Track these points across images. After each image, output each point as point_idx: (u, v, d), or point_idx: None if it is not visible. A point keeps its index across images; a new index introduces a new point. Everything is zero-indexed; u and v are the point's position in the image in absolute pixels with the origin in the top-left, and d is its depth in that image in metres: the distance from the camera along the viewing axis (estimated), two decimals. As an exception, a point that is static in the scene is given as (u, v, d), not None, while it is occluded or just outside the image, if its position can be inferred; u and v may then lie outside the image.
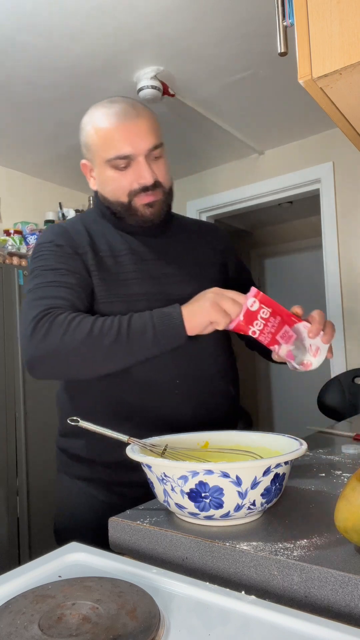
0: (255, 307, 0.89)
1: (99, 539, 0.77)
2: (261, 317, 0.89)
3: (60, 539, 1.05)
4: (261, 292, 0.90)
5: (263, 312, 0.89)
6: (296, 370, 0.95)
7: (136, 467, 0.98)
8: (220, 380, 1.08)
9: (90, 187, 1.08)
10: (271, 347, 0.92)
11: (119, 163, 0.98)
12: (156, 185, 1.00)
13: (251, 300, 0.89)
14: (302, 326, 0.92)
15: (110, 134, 0.97)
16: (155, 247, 1.07)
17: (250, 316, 0.88)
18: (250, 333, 0.89)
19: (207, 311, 0.88)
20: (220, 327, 0.89)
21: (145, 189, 0.99)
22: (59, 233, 1.03)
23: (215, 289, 0.90)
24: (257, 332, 0.89)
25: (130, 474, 0.95)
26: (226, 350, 1.12)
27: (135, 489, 0.96)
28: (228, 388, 1.10)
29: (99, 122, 0.99)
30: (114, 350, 0.89)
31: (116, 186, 1.00)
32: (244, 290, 1.03)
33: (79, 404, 1.05)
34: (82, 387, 1.04)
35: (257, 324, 0.89)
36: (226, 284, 1.13)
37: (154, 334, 0.89)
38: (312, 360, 0.93)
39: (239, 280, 1.20)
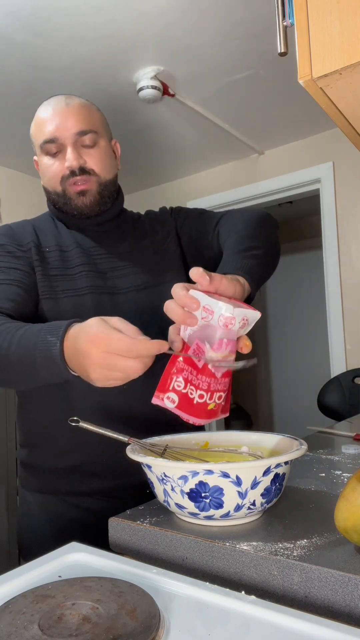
0: (174, 397, 0.72)
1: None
2: (183, 388, 0.72)
3: (24, 554, 1.02)
4: (155, 394, 0.73)
5: (179, 387, 0.72)
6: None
7: (91, 475, 0.95)
8: None
9: (41, 183, 1.08)
10: (211, 376, 0.72)
11: (49, 148, 0.99)
12: (85, 171, 0.99)
13: (166, 403, 0.72)
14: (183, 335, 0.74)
15: (41, 121, 1.00)
16: (104, 242, 1.05)
17: (185, 403, 0.72)
18: (207, 403, 0.72)
19: (94, 373, 0.69)
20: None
21: (73, 174, 0.98)
22: (2, 233, 1.04)
23: (100, 338, 0.67)
24: (202, 394, 0.72)
25: (89, 482, 0.94)
26: None
27: (97, 500, 0.95)
28: None
29: (36, 114, 1.02)
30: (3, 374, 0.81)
31: (50, 174, 1.01)
32: (212, 240, 1.00)
33: (31, 418, 1.04)
34: (31, 399, 1.03)
35: (192, 394, 0.72)
36: (186, 261, 1.09)
37: (34, 370, 0.76)
38: (220, 314, 0.69)
39: (200, 235, 1.10)
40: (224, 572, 0.60)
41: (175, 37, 2.00)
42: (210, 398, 0.73)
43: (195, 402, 0.72)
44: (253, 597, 0.50)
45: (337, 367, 2.83)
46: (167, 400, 0.73)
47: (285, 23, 0.95)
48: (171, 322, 0.90)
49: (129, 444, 0.76)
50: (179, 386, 0.72)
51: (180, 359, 0.73)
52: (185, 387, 0.72)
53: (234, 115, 2.67)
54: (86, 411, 0.95)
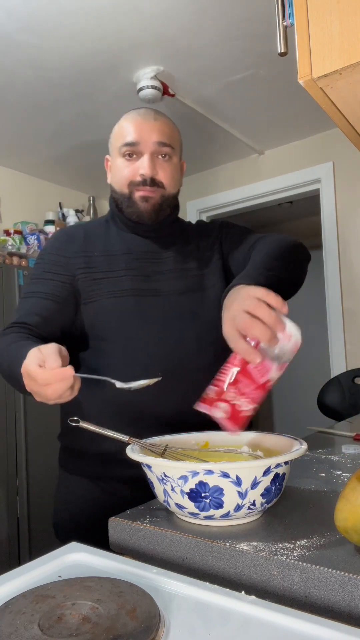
0: (226, 407, 0.76)
1: (95, 534, 0.78)
2: (237, 400, 0.76)
3: (58, 532, 1.09)
4: (204, 399, 0.77)
5: (232, 398, 0.76)
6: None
7: (123, 462, 0.95)
8: (206, 375, 1.06)
9: (107, 181, 1.16)
10: (268, 387, 0.78)
11: (126, 150, 1.05)
12: (155, 183, 1.05)
13: (216, 413, 0.76)
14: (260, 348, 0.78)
15: (126, 125, 1.07)
16: (155, 248, 1.11)
17: (234, 414, 0.76)
18: (251, 413, 0.77)
19: (38, 391, 0.79)
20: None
21: (144, 182, 1.04)
22: (55, 239, 1.12)
23: (29, 371, 0.78)
24: (250, 404, 0.76)
25: (122, 468, 0.96)
26: (214, 344, 1.08)
27: (129, 488, 0.98)
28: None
29: (123, 117, 1.10)
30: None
31: (121, 175, 1.07)
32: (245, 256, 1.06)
33: (74, 403, 1.07)
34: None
35: (243, 405, 0.77)
36: (226, 270, 1.14)
37: (19, 385, 0.86)
38: (294, 341, 0.77)
39: (238, 250, 1.14)
40: (224, 572, 0.60)
41: (175, 37, 2.00)
42: (252, 410, 0.77)
43: (241, 413, 0.76)
44: (253, 597, 0.50)
45: (337, 367, 2.83)
46: (215, 410, 0.76)
47: (285, 23, 0.95)
48: (207, 326, 1.06)
49: (129, 443, 0.76)
50: (230, 397, 0.76)
51: (234, 369, 0.76)
52: (235, 399, 0.76)
53: (234, 115, 2.67)
54: (121, 399, 0.98)
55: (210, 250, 1.16)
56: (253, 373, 0.76)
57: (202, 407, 0.77)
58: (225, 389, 0.76)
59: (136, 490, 0.94)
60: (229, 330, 0.78)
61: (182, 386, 1.00)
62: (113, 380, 0.82)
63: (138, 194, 1.05)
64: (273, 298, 0.76)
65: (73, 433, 1.07)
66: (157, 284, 1.07)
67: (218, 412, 0.76)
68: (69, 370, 0.75)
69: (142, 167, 1.03)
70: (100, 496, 1.03)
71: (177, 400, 1.00)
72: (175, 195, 1.11)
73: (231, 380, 0.76)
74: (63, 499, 1.10)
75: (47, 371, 0.75)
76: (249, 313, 0.75)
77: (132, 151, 1.05)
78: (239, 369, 0.76)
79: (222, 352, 1.10)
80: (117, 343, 1.03)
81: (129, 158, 1.05)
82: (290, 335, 0.76)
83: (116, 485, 1.02)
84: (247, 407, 0.77)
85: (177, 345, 1.04)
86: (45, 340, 0.96)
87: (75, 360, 1.08)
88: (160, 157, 1.05)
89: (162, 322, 1.04)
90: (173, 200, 1.11)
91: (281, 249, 1.02)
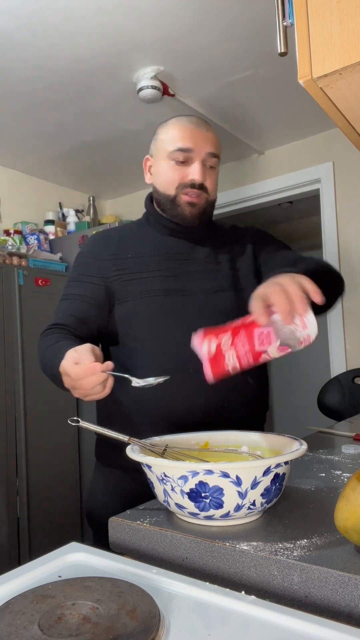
0: (213, 348, 0.77)
1: None
2: (226, 348, 0.77)
3: (90, 520, 1.14)
4: (204, 330, 0.79)
5: (224, 344, 0.77)
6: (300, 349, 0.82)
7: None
8: (237, 374, 1.10)
9: (145, 181, 1.20)
10: (261, 361, 0.80)
11: (178, 156, 1.09)
12: (203, 188, 1.10)
13: (204, 346, 0.77)
14: (273, 318, 0.79)
15: (180, 131, 1.11)
16: (189, 248, 1.15)
17: (217, 359, 0.77)
18: (230, 370, 0.78)
19: (74, 385, 0.88)
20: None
21: (192, 186, 1.09)
22: (91, 244, 1.18)
23: (65, 368, 0.88)
24: (236, 364, 0.78)
25: None
26: None
27: None
28: (245, 379, 1.11)
29: (175, 122, 1.13)
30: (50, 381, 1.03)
31: (169, 177, 1.11)
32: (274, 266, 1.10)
33: (110, 400, 1.10)
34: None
35: (229, 358, 0.78)
36: (258, 273, 1.19)
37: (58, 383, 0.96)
38: (307, 333, 0.78)
39: (274, 260, 1.17)
40: (224, 572, 0.60)
41: (175, 37, 2.00)
42: (233, 368, 0.78)
43: (222, 362, 0.78)
44: (253, 597, 0.50)
45: (337, 367, 2.83)
46: (205, 344, 0.77)
47: (285, 23, 0.95)
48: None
49: (129, 443, 0.76)
50: (223, 343, 0.78)
51: (241, 323, 0.79)
52: (226, 346, 0.78)
53: (234, 115, 2.67)
54: (153, 397, 1.04)
55: (244, 254, 1.21)
56: (255, 336, 0.78)
57: (196, 336, 0.79)
58: (224, 333, 0.78)
59: None
60: (255, 296, 0.81)
61: (211, 385, 1.03)
62: (131, 378, 0.87)
63: (185, 199, 1.10)
64: (309, 283, 0.78)
65: (108, 426, 1.11)
66: (187, 283, 1.11)
67: (204, 348, 0.77)
68: (98, 365, 0.82)
69: (194, 173, 1.09)
70: (132, 486, 1.05)
71: (208, 397, 1.04)
72: (215, 201, 1.17)
73: (233, 329, 0.78)
74: (97, 488, 1.15)
75: (79, 366, 0.84)
76: (280, 285, 0.78)
77: (185, 157, 1.09)
78: (245, 325, 0.79)
79: None
80: (148, 342, 1.08)
81: (179, 163, 1.10)
82: (306, 325, 0.77)
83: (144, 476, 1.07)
84: (231, 360, 0.78)
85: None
86: (82, 340, 1.03)
87: (109, 358, 1.14)
88: (208, 166, 1.11)
89: (191, 322, 1.07)
90: (212, 206, 1.17)
91: (321, 265, 1.12)
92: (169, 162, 1.11)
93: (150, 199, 1.20)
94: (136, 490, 1.05)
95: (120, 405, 1.10)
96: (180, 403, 1.04)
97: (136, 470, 1.06)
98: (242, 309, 1.10)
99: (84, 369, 0.83)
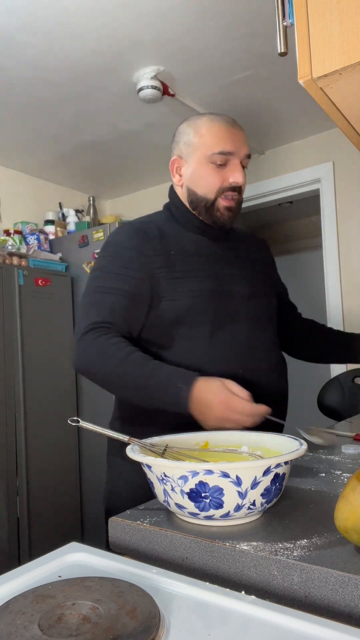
0: None
1: None
2: None
3: (109, 516, 1.12)
4: None
5: None
6: None
7: None
8: (275, 373, 1.14)
9: (174, 182, 1.18)
10: None
11: (218, 159, 1.08)
12: (240, 189, 1.11)
13: None
14: None
15: (220, 133, 1.09)
16: (219, 249, 1.16)
17: None
18: None
19: (212, 420, 0.92)
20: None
21: (233, 189, 1.09)
22: (132, 234, 1.10)
23: (225, 399, 0.92)
24: None
25: None
26: (277, 347, 1.20)
27: None
28: (281, 382, 1.15)
29: (210, 123, 1.10)
30: (130, 393, 1.02)
31: (210, 181, 1.09)
32: (284, 299, 1.30)
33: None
34: None
35: None
36: (277, 289, 1.28)
37: (162, 402, 0.97)
38: None
39: (280, 288, 1.35)
40: (224, 572, 0.60)
41: (175, 37, 2.00)
42: None
43: None
44: (253, 597, 0.50)
45: (337, 367, 2.83)
46: None
47: (285, 23, 0.95)
48: (271, 331, 1.20)
49: (129, 443, 0.76)
50: None
51: None
52: None
53: (234, 115, 2.67)
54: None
55: (268, 264, 1.28)
56: None
57: None
58: None
59: None
60: None
61: (255, 387, 1.06)
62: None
63: (223, 204, 1.10)
64: None
65: (127, 422, 1.13)
66: (229, 285, 1.12)
67: None
68: (266, 408, 0.92)
69: (236, 176, 1.08)
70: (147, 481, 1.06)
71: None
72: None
73: None
74: (114, 484, 1.14)
75: (255, 406, 0.91)
76: None
77: (225, 160, 1.08)
78: None
79: (282, 357, 1.22)
80: (197, 341, 1.08)
81: (219, 166, 1.08)
82: None
83: None
84: None
85: (250, 347, 1.11)
86: (128, 340, 1.04)
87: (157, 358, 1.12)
88: (243, 166, 1.11)
89: (236, 324, 1.10)
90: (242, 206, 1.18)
91: None
92: (208, 165, 1.09)
93: (175, 194, 1.18)
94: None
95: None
96: None
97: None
98: (272, 314, 1.20)
99: (256, 408, 0.90)
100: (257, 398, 1.02)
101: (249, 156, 1.11)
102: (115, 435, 0.77)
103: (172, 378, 0.96)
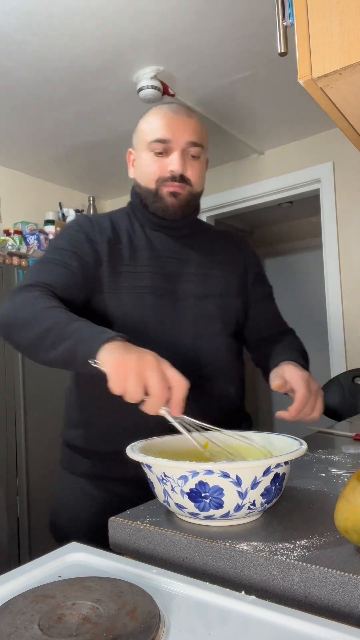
0: None
1: (95, 536, 0.77)
2: None
3: (56, 533, 1.09)
4: None
5: None
6: None
7: (132, 462, 0.99)
8: (220, 379, 1.08)
9: (129, 175, 1.15)
10: None
11: (156, 147, 1.04)
12: (184, 179, 1.05)
13: None
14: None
15: (158, 120, 1.06)
16: (176, 247, 1.11)
17: None
18: None
19: (125, 373, 0.75)
20: (128, 399, 0.76)
21: (173, 179, 1.04)
22: (81, 222, 1.09)
23: (156, 356, 0.77)
24: None
25: (125, 468, 0.94)
26: (230, 350, 1.12)
27: (131, 488, 0.97)
28: (227, 389, 1.10)
29: (154, 111, 1.08)
30: (43, 336, 0.86)
31: (148, 170, 1.06)
32: (258, 307, 1.17)
33: (84, 399, 1.08)
34: (89, 381, 1.05)
35: None
36: (244, 292, 1.18)
37: (70, 348, 0.83)
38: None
39: (253, 292, 1.22)
40: (224, 572, 0.60)
41: (175, 37, 2.00)
42: None
43: None
44: (253, 597, 0.50)
45: (337, 367, 2.83)
46: None
47: (285, 23, 0.95)
48: (225, 332, 1.12)
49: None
50: None
51: None
52: None
53: (234, 115, 2.67)
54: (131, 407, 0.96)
55: (235, 265, 1.18)
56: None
57: None
58: None
59: (138, 491, 0.94)
60: (279, 374, 0.99)
61: (197, 391, 0.99)
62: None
63: (166, 189, 1.05)
64: (321, 402, 0.98)
65: (79, 429, 1.07)
66: (177, 285, 1.07)
67: None
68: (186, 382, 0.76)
69: (173, 164, 1.03)
70: (101, 496, 1.03)
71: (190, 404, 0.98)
72: (200, 193, 1.12)
73: None
74: (63, 499, 1.09)
75: (179, 377, 0.75)
76: (307, 380, 0.95)
77: (163, 148, 1.04)
78: None
79: (236, 359, 1.15)
80: (135, 341, 0.99)
81: (158, 154, 1.05)
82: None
83: (118, 486, 1.02)
84: None
85: (195, 350, 1.05)
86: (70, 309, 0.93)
87: None
88: (190, 156, 1.06)
89: (180, 324, 1.05)
90: (198, 198, 1.11)
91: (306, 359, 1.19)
92: (148, 153, 1.06)
93: (133, 189, 1.14)
94: (107, 500, 1.01)
95: (101, 410, 1.03)
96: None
97: (110, 478, 1.03)
98: (227, 316, 1.12)
99: (180, 381, 0.75)
100: (200, 405, 0.91)
101: (196, 144, 1.05)
102: (191, 439, 0.77)
103: (97, 328, 0.86)
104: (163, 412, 0.75)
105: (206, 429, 0.82)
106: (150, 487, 0.72)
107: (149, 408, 0.74)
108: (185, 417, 0.78)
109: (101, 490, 1.03)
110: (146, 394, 0.74)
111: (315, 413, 0.94)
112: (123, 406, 0.98)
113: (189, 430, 0.78)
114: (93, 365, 0.78)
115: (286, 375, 0.97)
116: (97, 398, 1.03)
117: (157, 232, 1.11)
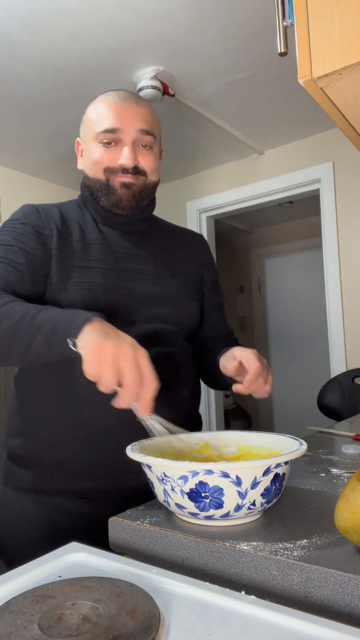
0: None
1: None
2: None
3: (3, 556, 0.98)
4: None
5: None
6: None
7: (76, 473, 0.92)
8: (174, 384, 1.01)
9: (77, 166, 1.10)
10: None
11: (105, 137, 0.98)
12: (138, 171, 0.99)
13: None
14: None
15: (105, 110, 0.99)
16: (130, 243, 1.05)
17: None
18: None
19: (101, 360, 0.71)
20: (102, 388, 0.72)
21: (124, 171, 0.98)
22: (28, 212, 1.02)
23: (134, 346, 0.74)
24: None
25: (71, 480, 0.92)
26: (183, 351, 1.07)
27: (79, 505, 0.92)
28: (171, 396, 0.99)
29: (100, 99, 1.02)
30: (6, 338, 0.81)
31: (96, 161, 1.00)
32: (211, 313, 1.12)
33: (26, 405, 1.00)
34: (31, 387, 1.00)
35: None
36: (200, 296, 1.13)
37: (47, 336, 0.79)
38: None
39: (208, 300, 1.16)
40: (224, 572, 0.60)
41: (176, 37, 2.00)
42: None
43: None
44: (253, 597, 0.50)
45: (337, 367, 2.83)
46: None
47: (285, 23, 0.95)
48: (179, 333, 1.06)
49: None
50: None
51: None
52: None
53: (234, 115, 2.67)
54: (92, 402, 0.91)
55: (192, 265, 1.13)
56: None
57: None
58: None
59: (87, 507, 0.90)
60: (231, 355, 0.95)
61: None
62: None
63: (118, 180, 0.99)
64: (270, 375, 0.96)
65: (21, 438, 0.98)
66: (130, 282, 1.01)
67: None
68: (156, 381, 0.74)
69: (123, 157, 0.97)
70: (45, 515, 0.95)
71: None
72: (155, 184, 1.05)
73: None
74: (5, 517, 0.99)
75: (150, 374, 0.73)
76: (259, 358, 0.92)
77: (111, 139, 0.98)
78: None
79: (189, 361, 1.08)
80: None
81: (107, 145, 0.98)
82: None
83: (63, 501, 0.94)
84: None
85: (146, 350, 0.98)
86: None
87: None
88: (141, 146, 0.99)
89: (130, 323, 0.97)
90: (153, 190, 1.05)
91: None
92: (96, 144, 0.99)
93: (85, 184, 1.08)
94: (53, 517, 0.93)
95: (46, 413, 0.96)
96: (115, 416, 0.82)
97: (51, 492, 0.94)
98: (180, 316, 1.06)
99: (154, 380, 0.72)
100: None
101: (148, 133, 0.99)
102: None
103: (71, 311, 0.82)
104: (133, 407, 0.73)
105: (171, 431, 0.81)
106: (150, 487, 0.72)
107: (121, 401, 0.72)
108: (156, 416, 0.78)
109: (41, 506, 0.95)
110: (119, 385, 0.71)
111: (267, 386, 0.91)
112: (68, 412, 0.94)
113: (158, 430, 0.78)
114: (71, 347, 0.75)
115: (236, 354, 0.93)
116: (39, 403, 0.98)
117: (110, 227, 1.05)
